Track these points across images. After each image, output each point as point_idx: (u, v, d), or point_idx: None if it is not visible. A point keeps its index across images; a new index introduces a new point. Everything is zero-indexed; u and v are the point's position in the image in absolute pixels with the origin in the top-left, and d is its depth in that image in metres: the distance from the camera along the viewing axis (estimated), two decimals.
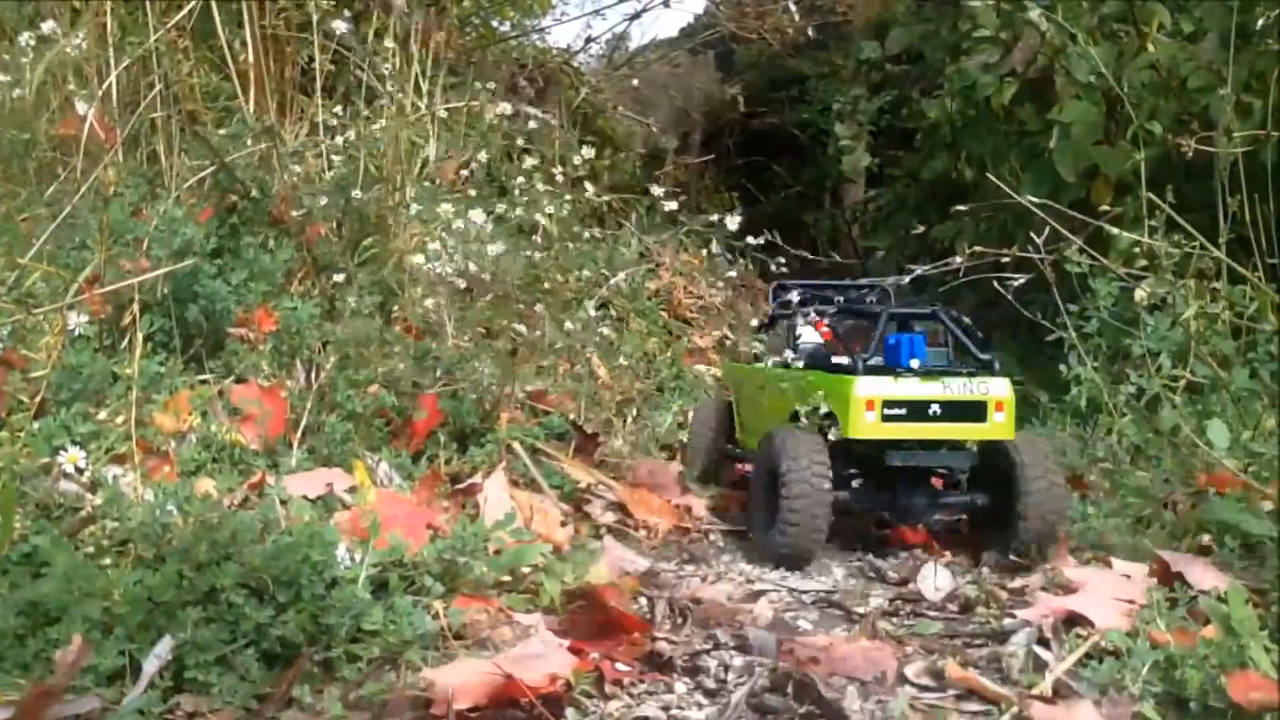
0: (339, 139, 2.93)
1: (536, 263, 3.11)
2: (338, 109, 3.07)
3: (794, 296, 2.78)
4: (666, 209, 3.41)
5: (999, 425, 2.39)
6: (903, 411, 2.35)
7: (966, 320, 2.59)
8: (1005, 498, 2.42)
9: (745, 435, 2.94)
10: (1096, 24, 4.07)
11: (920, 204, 6.02)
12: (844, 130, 6.82)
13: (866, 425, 2.35)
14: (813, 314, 2.71)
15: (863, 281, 3.11)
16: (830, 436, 2.40)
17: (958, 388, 2.39)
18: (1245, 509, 2.16)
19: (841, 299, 2.80)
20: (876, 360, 2.43)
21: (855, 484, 2.53)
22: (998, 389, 2.40)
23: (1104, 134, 3.97)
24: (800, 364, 2.61)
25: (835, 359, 2.55)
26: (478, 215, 2.65)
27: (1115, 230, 2.76)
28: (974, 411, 2.39)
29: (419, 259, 2.59)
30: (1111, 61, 3.86)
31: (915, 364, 2.39)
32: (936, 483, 2.58)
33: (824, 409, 2.45)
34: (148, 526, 1.68)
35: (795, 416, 2.53)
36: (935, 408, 2.37)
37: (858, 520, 2.67)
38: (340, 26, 2.89)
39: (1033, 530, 2.37)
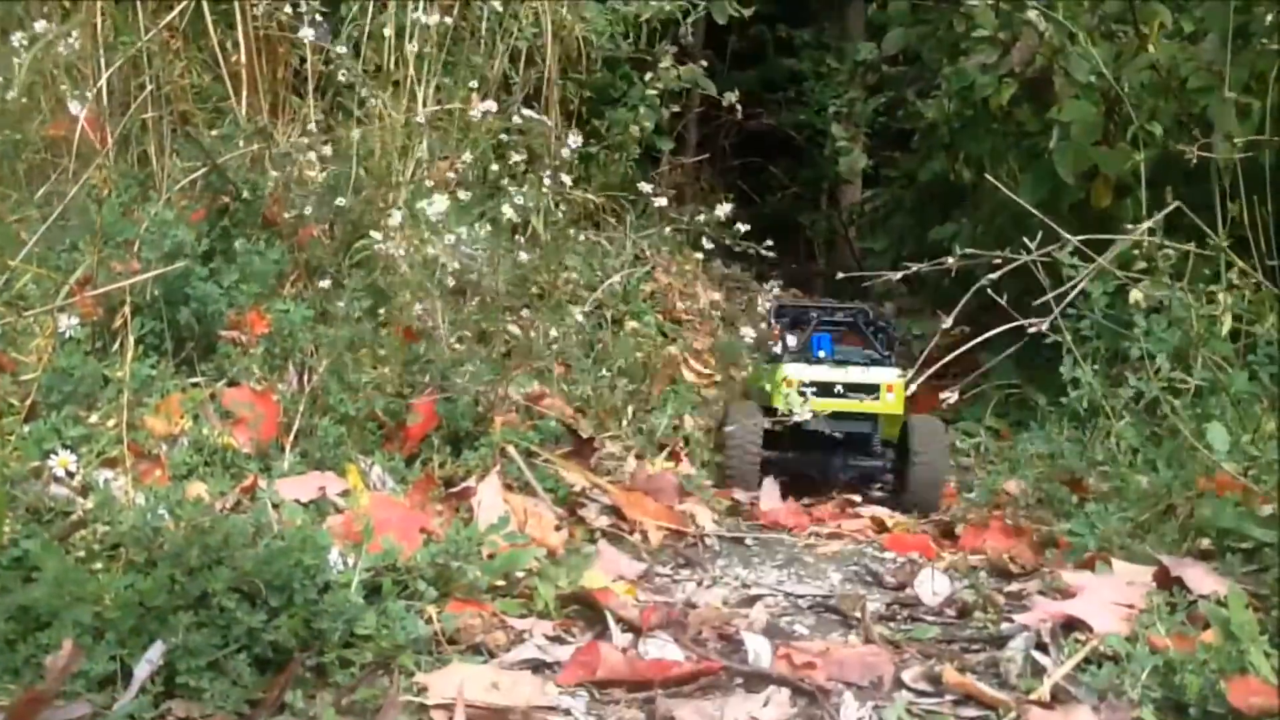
0: (325, 139, 2.90)
1: (523, 263, 3.09)
2: (325, 112, 3.05)
3: (779, 311, 3.46)
4: (657, 204, 3.56)
5: (889, 403, 3.09)
6: (814, 389, 3.05)
7: (888, 323, 3.38)
8: (904, 464, 3.09)
9: None
10: (1096, 24, 4.06)
11: (917, 205, 6.02)
12: (840, 131, 6.80)
13: (787, 398, 3.05)
14: (774, 323, 3.38)
15: (850, 304, 3.64)
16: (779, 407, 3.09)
17: (857, 374, 3.11)
18: (1245, 513, 2.15)
19: (814, 314, 3.42)
20: (801, 353, 3.22)
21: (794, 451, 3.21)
22: (888, 375, 3.11)
23: (1103, 135, 3.95)
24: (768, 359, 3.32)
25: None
26: (438, 204, 2.60)
27: (1134, 230, 2.74)
28: (870, 391, 3.10)
29: (377, 235, 2.55)
30: (1111, 61, 3.85)
31: (822, 355, 3.20)
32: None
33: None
34: (139, 530, 1.66)
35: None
36: (839, 387, 3.08)
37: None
38: (308, 35, 2.84)
39: (916, 487, 3.03)
